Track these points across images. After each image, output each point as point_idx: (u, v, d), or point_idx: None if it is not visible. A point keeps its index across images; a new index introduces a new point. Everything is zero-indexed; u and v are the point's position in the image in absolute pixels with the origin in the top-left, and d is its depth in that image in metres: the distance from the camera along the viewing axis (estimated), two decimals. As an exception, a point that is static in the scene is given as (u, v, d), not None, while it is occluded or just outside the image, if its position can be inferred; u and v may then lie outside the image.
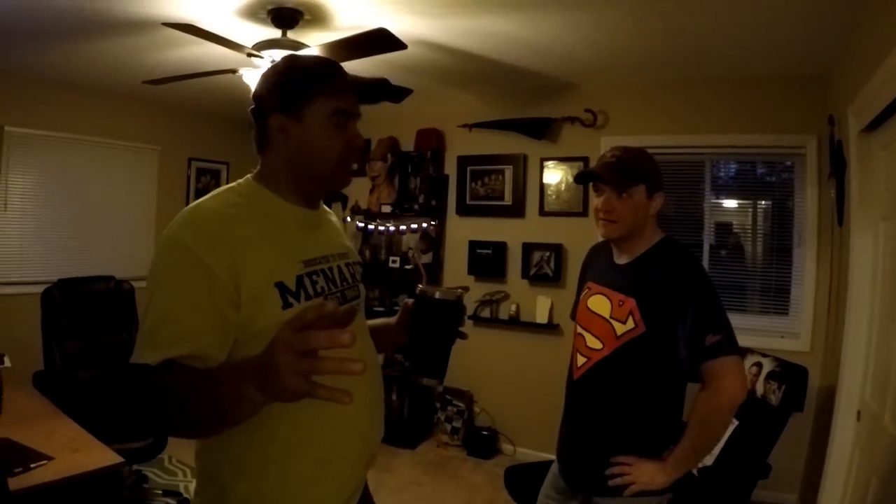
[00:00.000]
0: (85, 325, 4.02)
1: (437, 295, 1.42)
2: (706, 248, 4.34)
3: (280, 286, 1.26)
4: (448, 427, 5.06)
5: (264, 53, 3.09)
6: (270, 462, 1.29)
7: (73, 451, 2.50)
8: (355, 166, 4.50)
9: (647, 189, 1.90)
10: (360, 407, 1.36)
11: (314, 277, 1.36)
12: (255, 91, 1.40)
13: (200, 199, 1.33)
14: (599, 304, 1.98)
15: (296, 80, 1.35)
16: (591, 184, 1.99)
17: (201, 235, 1.21)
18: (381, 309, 5.27)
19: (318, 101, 1.34)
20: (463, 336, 1.49)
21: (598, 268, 2.11)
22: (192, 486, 3.83)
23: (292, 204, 1.40)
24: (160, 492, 3.85)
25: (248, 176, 1.44)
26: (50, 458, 2.38)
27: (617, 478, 1.82)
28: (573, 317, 2.18)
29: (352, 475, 1.45)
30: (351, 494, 1.46)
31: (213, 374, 1.14)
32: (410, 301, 1.52)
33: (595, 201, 1.98)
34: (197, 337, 1.17)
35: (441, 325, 1.44)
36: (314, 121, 1.34)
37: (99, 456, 2.49)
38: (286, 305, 1.25)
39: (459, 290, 1.47)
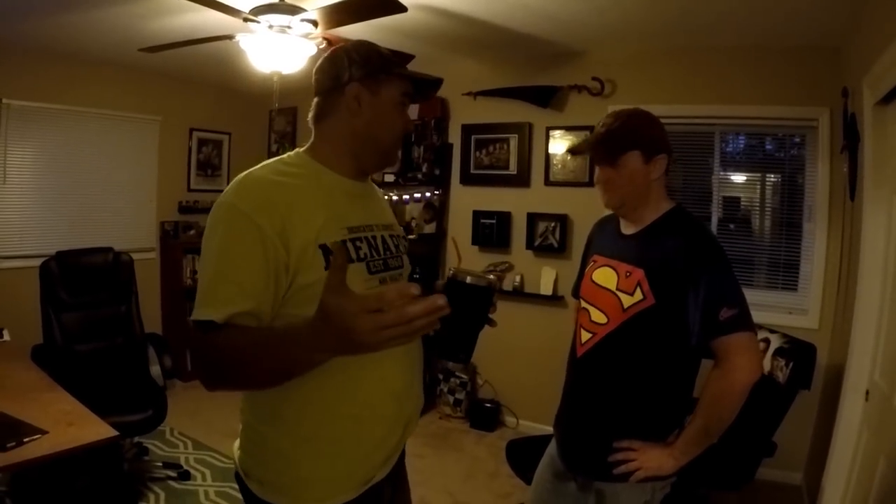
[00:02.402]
0: (84, 297, 4.00)
1: (469, 280, 1.40)
2: (714, 221, 4.28)
3: (324, 248, 1.33)
4: (451, 399, 5.05)
5: (261, 18, 3.02)
6: (305, 417, 1.38)
7: (68, 424, 2.48)
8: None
9: (642, 154, 1.79)
10: (395, 370, 1.48)
11: (358, 243, 1.44)
12: (333, 63, 1.49)
13: (251, 169, 1.40)
14: (605, 276, 1.89)
15: (380, 57, 1.48)
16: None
17: (254, 200, 1.30)
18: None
19: (395, 81, 1.48)
20: (492, 323, 1.47)
21: (604, 240, 2.03)
22: (193, 458, 3.92)
23: (341, 175, 1.49)
24: (160, 464, 3.84)
25: (299, 149, 1.53)
26: (44, 432, 2.37)
27: (621, 465, 1.75)
28: (576, 294, 2.11)
29: (387, 437, 1.50)
30: (388, 457, 1.53)
31: (280, 334, 1.21)
32: (441, 283, 1.52)
33: (595, 176, 1.93)
34: (255, 294, 1.26)
35: (471, 309, 1.42)
36: (388, 97, 1.48)
37: (93, 430, 2.47)
38: (328, 266, 1.30)
39: (492, 276, 1.44)
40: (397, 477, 1.65)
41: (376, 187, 1.72)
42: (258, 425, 1.43)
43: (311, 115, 1.53)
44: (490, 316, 1.47)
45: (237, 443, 1.51)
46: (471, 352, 1.45)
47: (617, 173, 1.81)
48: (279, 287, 1.29)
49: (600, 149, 1.83)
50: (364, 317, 0.97)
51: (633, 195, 1.83)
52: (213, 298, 1.24)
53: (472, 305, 1.41)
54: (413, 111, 5.12)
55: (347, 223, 1.43)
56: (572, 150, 1.98)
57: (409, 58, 1.52)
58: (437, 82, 1.57)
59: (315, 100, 1.52)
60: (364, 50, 1.48)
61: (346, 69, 1.45)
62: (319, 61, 1.53)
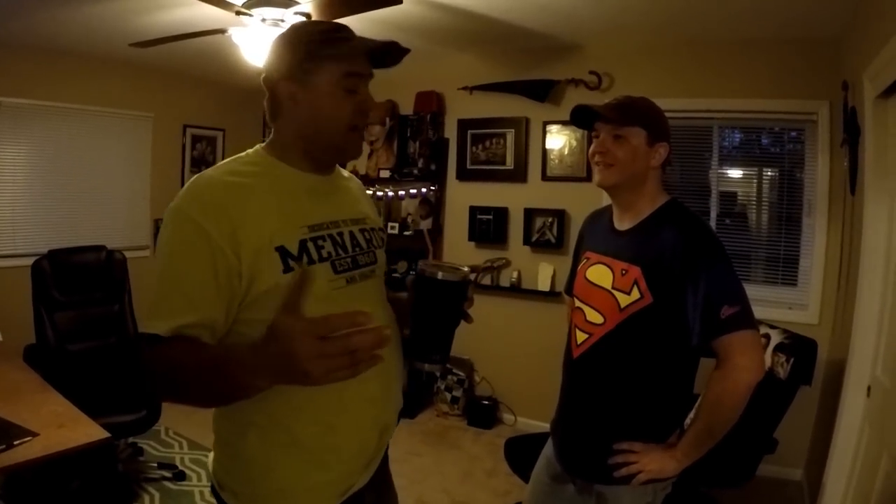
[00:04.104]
0: (76, 296, 3.96)
1: (440, 275, 1.32)
2: (713, 216, 4.26)
3: (281, 250, 1.27)
4: (448, 396, 5.02)
5: (254, 11, 2.99)
6: (280, 425, 1.32)
7: (59, 426, 2.46)
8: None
9: (647, 135, 1.75)
10: (372, 373, 1.31)
11: (320, 242, 1.35)
12: (267, 58, 1.40)
13: (206, 171, 1.34)
14: (600, 274, 1.84)
15: (301, 47, 1.34)
16: (592, 134, 1.85)
17: (203, 205, 1.23)
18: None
19: (326, 67, 1.33)
20: (468, 319, 1.43)
21: (597, 236, 1.97)
22: (188, 458, 3.89)
23: (302, 171, 1.40)
24: (155, 464, 3.81)
25: (259, 146, 1.44)
26: (35, 434, 2.35)
27: (622, 467, 1.72)
28: (569, 291, 2.07)
29: (365, 443, 1.45)
30: (367, 463, 1.47)
31: (220, 356, 1.17)
32: (411, 279, 1.45)
33: (592, 146, 1.84)
34: (203, 306, 1.21)
35: (443, 307, 1.35)
36: (322, 87, 1.33)
37: (84, 431, 2.45)
38: (287, 269, 1.26)
39: (466, 269, 1.37)
40: (381, 483, 1.60)
41: (348, 177, 1.63)
42: (231, 435, 1.37)
43: (266, 114, 1.44)
44: (466, 311, 1.42)
45: (212, 454, 1.46)
46: (447, 352, 1.39)
47: (618, 146, 1.75)
48: (233, 295, 1.23)
49: (608, 111, 1.77)
50: (308, 341, 0.93)
51: (631, 176, 1.77)
52: (159, 310, 1.20)
53: (445, 302, 1.35)
54: (409, 106, 5.15)
55: (307, 221, 1.35)
56: (573, 112, 1.89)
57: (343, 30, 1.35)
58: (393, 44, 1.42)
59: (265, 98, 1.42)
60: (288, 39, 1.37)
61: (275, 66, 1.37)
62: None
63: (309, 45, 1.33)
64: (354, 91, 1.36)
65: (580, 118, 1.87)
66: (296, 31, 1.39)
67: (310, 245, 1.32)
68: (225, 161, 1.39)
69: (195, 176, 1.32)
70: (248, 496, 1.36)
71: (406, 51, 1.45)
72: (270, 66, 1.38)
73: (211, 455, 1.46)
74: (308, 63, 1.32)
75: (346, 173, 1.63)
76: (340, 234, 1.41)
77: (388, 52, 1.42)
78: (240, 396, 1.17)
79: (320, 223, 1.38)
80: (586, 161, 4.41)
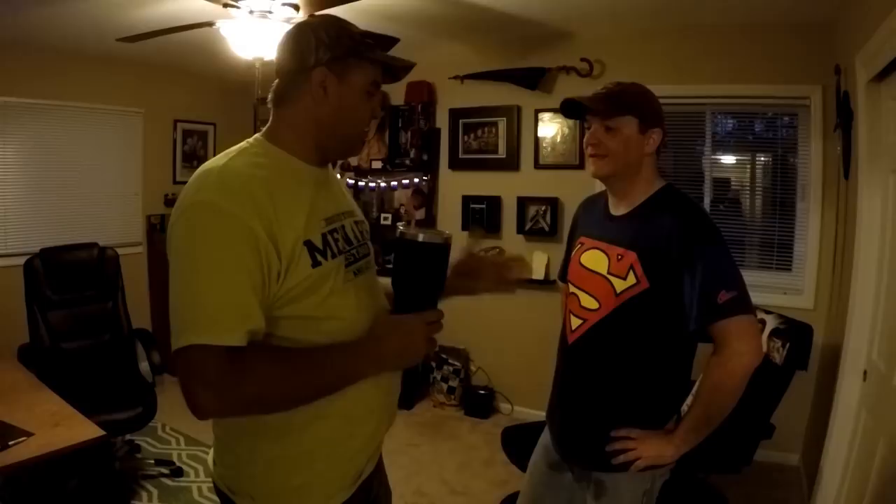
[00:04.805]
0: (69, 294, 3.94)
1: (422, 237, 1.30)
2: (707, 202, 4.25)
3: (309, 245, 1.25)
4: (444, 387, 5.02)
5: (241, 3, 2.96)
6: (295, 422, 1.28)
7: (54, 425, 2.46)
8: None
9: (639, 123, 1.73)
10: None
11: (335, 235, 1.36)
12: (297, 42, 1.35)
13: (219, 161, 1.27)
14: (595, 259, 1.82)
15: (347, 41, 1.32)
16: (585, 124, 1.83)
17: (240, 199, 1.17)
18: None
19: (366, 66, 1.34)
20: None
21: (592, 221, 1.96)
22: (186, 454, 3.87)
23: (306, 163, 1.37)
24: (153, 461, 3.81)
25: (257, 136, 1.39)
26: (30, 434, 2.35)
27: (620, 454, 1.71)
28: (563, 277, 2.06)
29: (377, 430, 1.46)
30: (373, 453, 1.49)
31: (334, 352, 1.26)
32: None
33: (585, 138, 1.82)
34: (262, 305, 1.18)
35: (424, 270, 1.33)
36: (357, 84, 1.34)
37: (80, 430, 2.45)
38: (315, 264, 1.25)
39: (448, 233, 1.35)
40: (381, 470, 1.62)
41: (332, 170, 1.57)
42: (242, 437, 1.32)
43: (270, 96, 1.39)
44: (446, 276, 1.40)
45: (211, 456, 1.44)
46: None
47: (610, 137, 1.74)
48: (269, 296, 1.20)
49: (598, 104, 1.75)
50: (425, 329, 1.32)
51: (625, 165, 1.76)
52: (222, 318, 1.12)
53: (426, 265, 1.33)
54: (400, 96, 5.13)
55: (324, 214, 1.34)
56: (562, 105, 1.87)
57: (387, 40, 1.38)
58: (409, 66, 1.45)
59: (276, 80, 1.38)
60: (334, 29, 1.33)
61: (312, 51, 1.30)
62: (283, 37, 1.39)
63: (352, 42, 1.32)
64: (373, 95, 1.38)
65: (570, 110, 1.85)
66: (339, 23, 1.36)
67: (329, 238, 1.32)
68: (233, 152, 1.31)
69: (211, 167, 1.25)
70: (266, 497, 1.33)
71: (409, 70, 1.47)
72: (304, 49, 1.31)
73: (210, 458, 1.44)
74: (352, 58, 1.32)
75: None
76: (343, 228, 1.41)
77: (400, 70, 1.45)
78: (342, 387, 1.27)
79: (332, 216, 1.37)
80: (579, 149, 4.41)
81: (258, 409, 1.24)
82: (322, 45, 1.30)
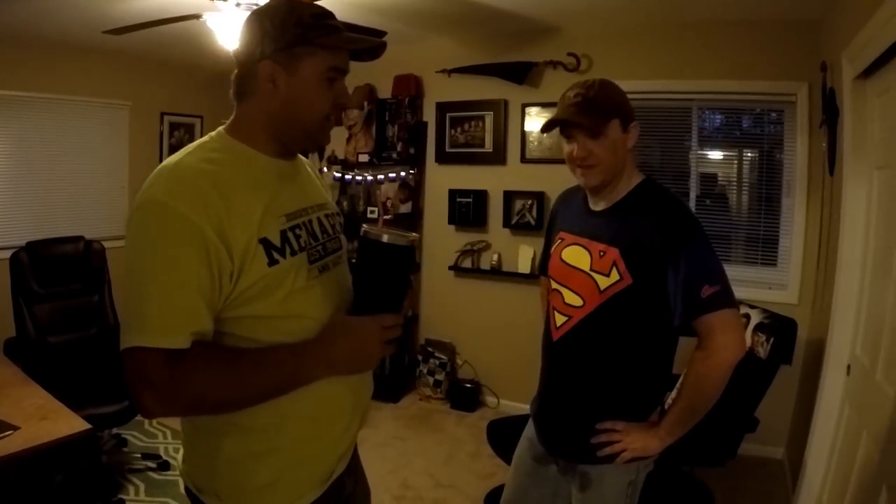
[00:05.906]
0: (55, 288, 3.91)
1: (386, 238, 1.27)
2: (692, 197, 4.27)
3: (265, 242, 1.21)
4: (430, 380, 5.02)
5: (228, -4, 2.93)
6: (261, 421, 1.27)
7: (41, 419, 2.44)
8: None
9: (621, 123, 1.72)
10: None
11: (297, 231, 1.30)
12: (246, 32, 1.29)
13: (175, 157, 1.24)
14: (576, 256, 1.81)
15: (291, 28, 1.24)
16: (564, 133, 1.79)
17: (189, 197, 1.14)
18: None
19: (316, 56, 1.26)
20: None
21: (571, 216, 1.94)
22: (172, 447, 3.85)
23: (268, 156, 1.32)
24: (139, 455, 3.79)
25: (220, 129, 1.34)
26: (16, 428, 2.34)
27: (605, 447, 1.73)
28: (543, 271, 2.06)
29: (346, 430, 1.44)
30: (344, 452, 1.46)
31: (281, 354, 1.22)
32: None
33: (566, 148, 1.78)
34: (211, 307, 1.16)
35: (388, 274, 1.31)
36: (306, 75, 1.26)
37: (66, 423, 2.44)
38: (272, 262, 1.21)
39: (413, 235, 1.34)
40: (356, 468, 1.61)
41: (305, 161, 1.53)
42: (209, 435, 1.30)
43: (231, 90, 1.34)
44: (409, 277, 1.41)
45: (181, 455, 1.41)
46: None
47: (599, 145, 1.70)
48: (221, 294, 1.17)
49: (584, 117, 1.70)
50: (379, 332, 1.29)
51: (615, 169, 1.75)
52: (166, 320, 1.11)
53: (390, 268, 1.30)
54: (387, 90, 5.12)
55: (284, 210, 1.29)
56: (548, 123, 1.84)
57: (374, 34, 1.29)
58: (380, 45, 1.36)
59: (234, 73, 1.32)
60: (279, 17, 1.25)
61: (258, 43, 1.25)
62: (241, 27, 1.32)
63: (300, 28, 1.24)
64: (333, 84, 1.30)
65: (552, 127, 1.82)
66: (286, 8, 1.27)
67: (290, 235, 1.27)
68: (192, 148, 1.27)
69: (165, 164, 1.22)
70: (232, 496, 1.31)
71: (384, 47, 1.37)
72: (251, 41, 1.27)
73: (179, 456, 1.41)
74: (297, 47, 1.24)
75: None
76: (310, 222, 1.37)
77: (369, 49, 1.36)
78: (290, 389, 1.24)
79: (295, 211, 1.32)
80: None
81: (203, 410, 1.23)
82: (266, 36, 1.24)
